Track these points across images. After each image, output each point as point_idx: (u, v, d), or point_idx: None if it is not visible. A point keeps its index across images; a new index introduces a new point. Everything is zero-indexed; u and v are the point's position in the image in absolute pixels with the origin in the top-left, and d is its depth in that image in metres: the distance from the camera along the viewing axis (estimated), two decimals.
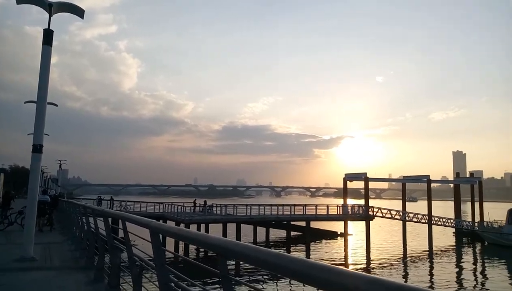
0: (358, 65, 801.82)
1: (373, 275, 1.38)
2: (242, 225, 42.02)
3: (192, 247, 34.58)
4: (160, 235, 4.06)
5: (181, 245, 33.91)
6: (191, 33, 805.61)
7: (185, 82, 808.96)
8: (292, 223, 46.75)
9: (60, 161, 69.25)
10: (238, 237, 39.71)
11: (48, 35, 10.71)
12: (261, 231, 45.52)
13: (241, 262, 2.94)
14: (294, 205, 46.11)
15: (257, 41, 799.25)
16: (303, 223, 45.34)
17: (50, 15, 10.78)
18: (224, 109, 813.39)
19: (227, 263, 2.56)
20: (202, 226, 41.03)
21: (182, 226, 35.07)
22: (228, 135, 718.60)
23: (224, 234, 39.98)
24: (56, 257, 11.16)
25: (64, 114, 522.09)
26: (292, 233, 47.46)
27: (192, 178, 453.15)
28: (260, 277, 25.69)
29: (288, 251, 39.39)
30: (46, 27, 10.70)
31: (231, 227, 41.47)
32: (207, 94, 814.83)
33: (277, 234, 48.09)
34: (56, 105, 26.50)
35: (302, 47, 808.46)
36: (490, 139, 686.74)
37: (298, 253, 38.76)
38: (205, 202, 48.02)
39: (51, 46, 10.82)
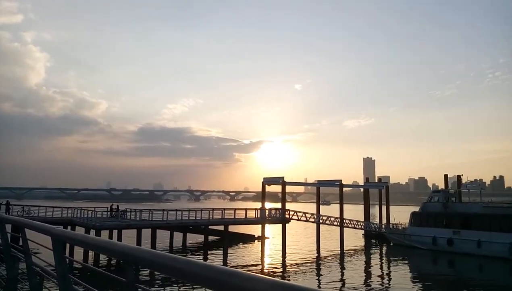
0: (278, 72, 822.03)
1: (279, 280, 1.37)
2: (158, 230, 40.91)
3: (103, 255, 32.96)
4: (68, 244, 3.77)
5: (91, 253, 32.13)
6: (108, 29, 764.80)
7: (99, 80, 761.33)
8: (210, 227, 46.59)
9: None
10: (154, 243, 38.63)
11: None
12: (178, 236, 44.79)
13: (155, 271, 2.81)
14: (213, 209, 46.01)
15: (178, 42, 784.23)
16: (221, 227, 45.39)
17: None
18: (141, 109, 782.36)
19: (141, 271, 2.43)
20: (115, 232, 39.17)
21: (92, 232, 33.37)
22: (145, 137, 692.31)
23: (139, 240, 38.60)
24: None
25: None
26: (210, 238, 47.33)
27: (105, 181, 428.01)
28: (174, 285, 25.21)
29: (205, 256, 39.25)
30: None
31: (147, 233, 40.17)
32: (123, 93, 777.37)
33: (195, 239, 47.62)
34: None
35: (224, 53, 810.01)
36: (396, 147, 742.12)
37: (215, 257, 38.74)
38: (117, 206, 46.06)
39: None
